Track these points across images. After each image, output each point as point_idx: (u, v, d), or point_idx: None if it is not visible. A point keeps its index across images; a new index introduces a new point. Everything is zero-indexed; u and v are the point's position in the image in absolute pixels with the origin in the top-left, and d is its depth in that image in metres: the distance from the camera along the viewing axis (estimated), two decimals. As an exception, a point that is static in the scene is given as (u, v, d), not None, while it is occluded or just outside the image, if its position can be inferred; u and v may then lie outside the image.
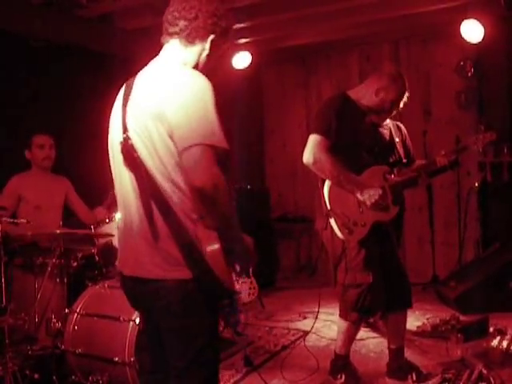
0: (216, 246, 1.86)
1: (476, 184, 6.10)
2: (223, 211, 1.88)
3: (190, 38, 2.10)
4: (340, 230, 3.31)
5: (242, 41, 6.28)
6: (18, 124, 4.63)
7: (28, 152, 4.21)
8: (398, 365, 3.57)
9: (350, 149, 3.37)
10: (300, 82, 7.48)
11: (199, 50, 2.13)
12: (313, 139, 3.33)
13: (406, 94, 3.51)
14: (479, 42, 5.47)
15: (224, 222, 1.90)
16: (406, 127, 4.79)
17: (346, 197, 3.33)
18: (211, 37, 2.11)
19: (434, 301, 5.46)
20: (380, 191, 3.29)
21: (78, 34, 5.19)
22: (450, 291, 5.23)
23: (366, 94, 3.49)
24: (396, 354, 3.59)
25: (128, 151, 1.97)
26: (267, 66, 7.58)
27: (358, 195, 3.30)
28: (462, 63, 6.06)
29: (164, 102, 1.91)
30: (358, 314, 3.39)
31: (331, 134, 3.30)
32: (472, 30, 5.36)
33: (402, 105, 3.53)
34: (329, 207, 3.33)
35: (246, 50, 6.44)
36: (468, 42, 5.53)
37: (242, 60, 6.53)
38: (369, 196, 3.27)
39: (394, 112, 3.55)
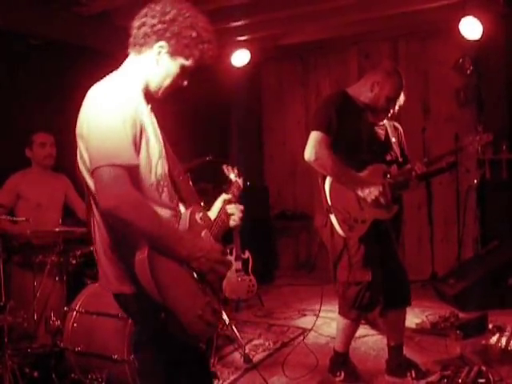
0: (141, 256, 1.80)
1: (475, 181, 6.11)
2: (140, 228, 1.80)
3: (137, 47, 2.01)
4: (340, 226, 3.32)
5: (241, 38, 6.28)
6: (17, 122, 4.62)
7: (28, 150, 4.22)
8: (397, 362, 3.57)
9: (350, 146, 3.38)
10: (299, 80, 7.48)
11: (148, 61, 2.01)
12: (314, 136, 3.33)
13: (402, 94, 3.49)
14: (478, 40, 5.45)
15: (147, 236, 1.81)
16: (404, 124, 4.79)
17: (346, 193, 3.34)
18: (159, 43, 1.97)
19: (433, 298, 5.46)
20: (380, 188, 3.30)
21: (77, 31, 5.18)
22: (449, 288, 5.24)
23: (362, 91, 3.48)
24: (395, 351, 3.60)
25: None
26: (266, 64, 7.57)
27: (359, 192, 3.31)
28: (460, 60, 6.05)
29: (81, 121, 1.90)
30: (358, 311, 3.40)
31: (332, 131, 3.31)
32: (471, 28, 5.35)
33: (398, 105, 3.51)
34: (329, 203, 3.33)
35: (244, 47, 6.44)
36: (467, 40, 5.51)
37: (240, 58, 6.52)
38: (369, 192, 3.28)
39: (391, 111, 3.53)
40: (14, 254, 3.77)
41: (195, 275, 1.93)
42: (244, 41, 6.34)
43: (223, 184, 2.43)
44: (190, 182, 4.08)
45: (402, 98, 3.52)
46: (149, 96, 2.07)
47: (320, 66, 7.29)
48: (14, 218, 3.54)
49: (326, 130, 3.31)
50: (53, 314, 3.47)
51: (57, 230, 3.54)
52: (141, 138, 1.91)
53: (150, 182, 1.94)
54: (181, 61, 1.99)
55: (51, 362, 3.31)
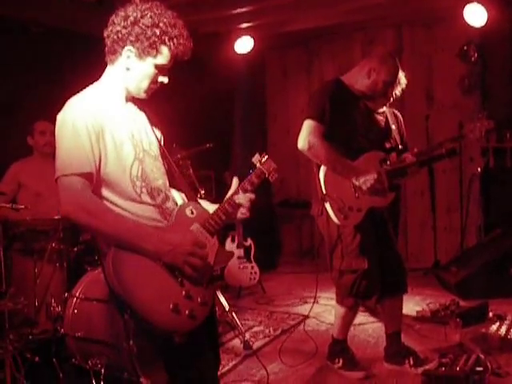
0: (107, 262, 1.89)
1: (478, 169, 6.08)
2: (97, 230, 1.92)
3: (109, 55, 2.06)
4: (335, 215, 3.32)
5: (244, 25, 6.26)
6: (19, 110, 4.63)
7: (30, 138, 4.26)
8: (395, 350, 3.59)
9: (344, 134, 3.37)
10: (303, 67, 7.45)
11: (121, 68, 2.05)
12: (307, 125, 3.33)
13: (404, 78, 3.47)
14: (483, 26, 5.41)
15: (106, 236, 1.92)
16: (408, 112, 4.78)
17: (341, 182, 3.33)
18: (125, 48, 2.00)
19: (435, 286, 5.47)
20: (375, 176, 3.27)
21: (78, 18, 5.16)
22: (451, 276, 5.24)
23: (358, 78, 3.47)
24: (393, 338, 3.62)
25: None
26: (270, 51, 7.54)
27: (354, 180, 3.30)
28: (465, 47, 6.00)
29: None
30: (354, 299, 3.42)
31: (325, 120, 3.30)
32: (475, 14, 5.31)
33: (399, 90, 3.49)
34: (324, 192, 3.32)
35: (248, 34, 6.41)
36: (472, 27, 5.48)
37: (244, 45, 6.51)
38: (364, 181, 3.27)
39: (391, 96, 3.51)
40: (15, 241, 3.80)
41: (168, 269, 1.94)
42: (248, 28, 6.31)
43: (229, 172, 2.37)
44: (191, 170, 4.11)
45: (403, 82, 3.51)
46: (131, 99, 2.15)
47: (324, 53, 7.25)
48: (14, 206, 3.56)
49: (319, 118, 3.31)
50: (53, 300, 3.48)
51: (56, 217, 3.55)
52: (105, 144, 1.97)
53: (125, 183, 2.01)
54: (150, 60, 2.02)
55: (52, 348, 3.32)
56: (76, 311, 3.39)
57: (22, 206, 3.50)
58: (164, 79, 2.10)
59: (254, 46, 6.52)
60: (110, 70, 2.10)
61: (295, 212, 7.35)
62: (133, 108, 2.17)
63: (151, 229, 1.98)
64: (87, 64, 5.08)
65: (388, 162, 3.43)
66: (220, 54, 6.41)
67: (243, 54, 6.61)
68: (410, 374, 3.44)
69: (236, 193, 2.22)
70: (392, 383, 3.39)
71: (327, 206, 3.32)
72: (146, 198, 2.05)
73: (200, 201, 2.31)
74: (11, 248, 3.79)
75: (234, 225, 5.58)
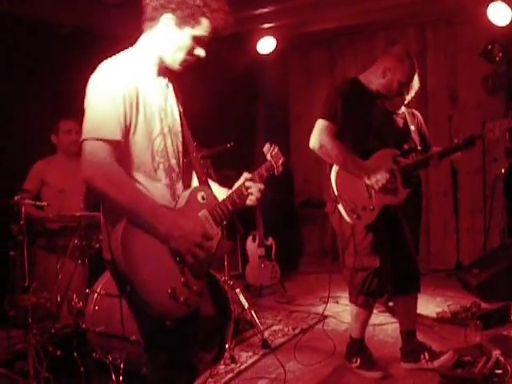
0: (116, 230, 1.87)
1: (503, 170, 5.99)
2: (114, 200, 1.86)
3: (148, 22, 2.04)
4: (348, 215, 3.32)
5: (267, 26, 6.28)
6: (42, 109, 4.71)
7: (54, 136, 4.31)
8: (410, 348, 3.59)
9: (357, 133, 3.37)
10: (325, 67, 7.43)
11: (158, 36, 2.03)
12: (319, 124, 3.35)
13: (417, 80, 3.45)
14: (507, 25, 5.35)
15: (121, 209, 1.88)
16: (431, 112, 4.75)
17: (353, 181, 3.33)
18: (164, 15, 1.99)
19: (457, 288, 5.41)
20: (387, 175, 3.26)
21: (102, 20, 5.23)
22: (473, 278, 5.18)
23: (374, 78, 3.45)
24: (407, 337, 3.61)
25: None
26: (292, 51, 7.55)
27: (366, 179, 3.29)
28: (489, 47, 5.91)
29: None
30: (365, 297, 3.42)
31: (337, 119, 3.30)
32: (499, 13, 5.25)
33: (413, 91, 3.47)
34: (336, 193, 3.33)
35: (270, 35, 6.44)
36: (495, 25, 5.41)
37: (266, 45, 6.54)
38: (376, 180, 3.25)
39: (406, 96, 3.49)
40: (38, 237, 3.89)
41: (173, 254, 1.95)
42: (270, 28, 6.33)
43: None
44: (211, 169, 4.13)
45: (416, 84, 3.49)
46: (165, 70, 2.11)
47: (347, 53, 7.23)
48: (37, 203, 3.63)
49: (331, 118, 3.31)
50: (75, 295, 3.55)
51: (78, 214, 3.62)
52: (137, 112, 1.96)
53: (146, 156, 2.00)
54: (189, 31, 2.01)
55: (73, 342, 3.39)
56: (97, 307, 3.47)
57: (45, 204, 3.57)
58: (201, 52, 2.08)
59: (277, 46, 6.54)
60: (145, 37, 2.08)
61: (317, 212, 7.32)
62: (163, 80, 2.14)
63: (166, 210, 1.97)
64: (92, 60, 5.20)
65: (400, 159, 3.42)
66: (243, 54, 6.44)
67: (266, 55, 6.64)
68: (428, 375, 3.42)
69: (245, 184, 2.24)
70: (409, 383, 3.38)
71: (339, 206, 3.33)
72: (161, 174, 2.05)
73: (211, 183, 2.31)
74: (35, 244, 3.88)
75: (256, 224, 5.61)
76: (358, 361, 3.56)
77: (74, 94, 4.77)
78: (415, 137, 3.60)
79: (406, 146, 3.53)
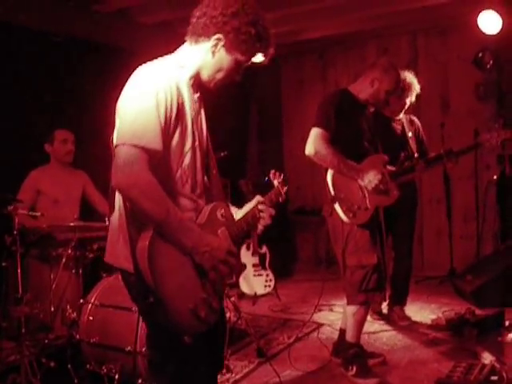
0: (143, 241, 1.82)
1: (495, 177, 6.05)
2: (146, 211, 1.81)
3: (195, 36, 2.02)
4: (345, 214, 3.46)
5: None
6: (36, 118, 4.71)
7: (48, 146, 4.28)
8: (343, 347, 3.69)
9: (350, 140, 3.54)
10: (318, 76, 7.48)
11: (203, 51, 2.02)
12: (314, 132, 3.51)
13: (415, 84, 3.56)
14: (498, 33, 5.39)
15: (151, 220, 1.83)
16: (423, 119, 4.79)
17: (348, 183, 3.50)
18: (216, 35, 1.97)
19: (451, 294, 5.42)
20: (379, 176, 3.44)
21: (96, 29, 5.26)
22: (467, 285, 5.19)
23: (362, 88, 3.65)
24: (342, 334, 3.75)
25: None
26: (285, 60, 7.57)
27: (359, 181, 3.47)
28: (480, 55, 5.96)
29: (121, 97, 1.94)
30: (365, 294, 3.50)
31: (331, 127, 3.47)
32: (490, 21, 5.29)
33: (413, 97, 3.56)
34: (332, 193, 3.48)
35: (263, 43, 6.43)
36: (486, 34, 5.46)
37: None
38: (369, 181, 3.44)
39: (405, 103, 3.59)
40: (32, 247, 3.87)
41: (197, 270, 1.93)
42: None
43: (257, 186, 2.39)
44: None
45: (417, 89, 3.62)
46: (198, 85, 2.10)
47: (339, 62, 7.28)
48: (31, 213, 3.61)
49: (324, 126, 3.48)
50: (69, 306, 3.54)
51: (72, 224, 3.61)
52: (176, 125, 1.93)
53: (175, 169, 1.97)
54: (236, 56, 2.00)
55: (67, 353, 3.37)
56: (91, 317, 3.45)
57: (39, 214, 3.56)
58: (237, 77, 2.09)
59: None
60: (188, 49, 2.06)
61: (311, 219, 7.34)
62: (196, 94, 2.11)
63: (194, 225, 1.95)
64: (106, 73, 5.23)
65: (389, 167, 3.60)
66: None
67: (259, 63, 6.63)
68: (424, 383, 3.42)
69: (257, 206, 2.24)
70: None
71: (336, 206, 3.47)
72: (187, 189, 2.02)
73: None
74: (28, 254, 3.85)
75: (249, 232, 5.60)
76: (354, 369, 3.56)
77: (68, 104, 4.87)
78: (412, 143, 3.73)
79: (402, 153, 3.63)
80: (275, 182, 2.44)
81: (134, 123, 1.83)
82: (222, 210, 2.13)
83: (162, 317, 1.86)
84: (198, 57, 2.03)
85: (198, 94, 2.11)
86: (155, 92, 1.86)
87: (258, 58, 2.07)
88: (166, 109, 1.87)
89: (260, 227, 2.26)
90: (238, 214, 2.26)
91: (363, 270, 3.47)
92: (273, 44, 2.06)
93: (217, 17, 1.96)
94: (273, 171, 2.50)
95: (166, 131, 1.89)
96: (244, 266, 2.32)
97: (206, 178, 2.18)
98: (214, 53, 2.00)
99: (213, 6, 1.97)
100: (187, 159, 2.01)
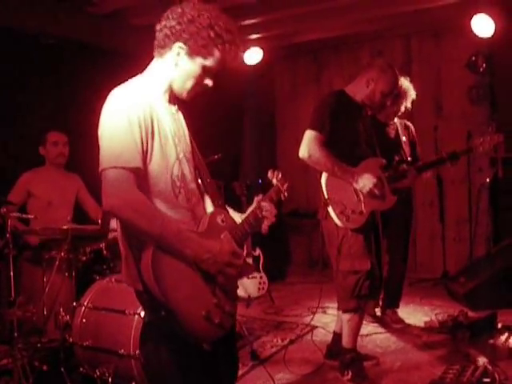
0: (145, 259, 1.84)
1: (487, 180, 6.07)
2: (140, 229, 1.83)
3: (159, 49, 2.03)
4: (338, 218, 3.41)
5: (254, 36, 6.30)
6: (30, 121, 4.70)
7: (42, 148, 4.29)
8: (338, 349, 3.67)
9: (345, 142, 3.49)
10: (312, 78, 7.48)
11: (168, 63, 2.02)
12: (308, 135, 3.47)
13: (410, 89, 3.51)
14: (491, 37, 5.42)
15: (149, 237, 1.84)
16: (417, 122, 4.78)
17: (343, 186, 3.45)
18: (177, 44, 1.98)
19: (444, 297, 5.45)
20: (374, 180, 3.38)
21: (89, 31, 5.25)
22: (460, 287, 5.21)
23: (358, 89, 3.58)
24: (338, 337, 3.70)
25: None
26: (279, 62, 7.58)
27: (354, 184, 3.40)
28: (473, 58, 5.99)
29: (99, 124, 1.95)
30: (357, 301, 3.46)
31: (325, 130, 3.42)
32: (483, 25, 5.32)
33: (409, 102, 3.53)
34: (326, 196, 3.44)
35: (257, 45, 6.45)
36: (480, 37, 5.48)
37: (253, 56, 6.54)
38: (363, 185, 3.38)
39: (401, 107, 3.55)
40: (25, 250, 3.85)
41: (204, 276, 1.93)
42: (256, 39, 6.35)
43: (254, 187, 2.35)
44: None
45: (412, 94, 3.57)
46: (175, 96, 2.10)
47: (333, 64, 7.29)
48: (24, 216, 3.60)
49: (319, 128, 3.44)
50: (62, 309, 3.52)
51: (65, 227, 3.59)
52: (153, 139, 1.93)
53: (165, 182, 1.96)
54: (200, 61, 1.99)
55: (60, 356, 3.36)
56: (84, 320, 3.44)
57: (32, 216, 3.54)
58: (209, 82, 2.07)
59: (263, 57, 6.56)
60: (156, 64, 2.07)
61: (304, 222, 7.35)
62: (173, 106, 2.12)
63: (192, 234, 1.95)
64: (98, 75, 5.21)
65: (386, 171, 3.54)
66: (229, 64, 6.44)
67: (252, 65, 6.65)
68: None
69: (259, 207, 2.23)
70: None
71: (330, 209, 3.43)
72: (182, 199, 2.02)
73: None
74: (21, 257, 3.84)
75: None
76: (350, 374, 3.54)
77: (63, 106, 4.85)
78: (406, 148, 3.68)
79: (396, 157, 3.59)
80: (274, 181, 2.42)
81: (110, 146, 1.85)
82: (222, 216, 2.13)
83: (177, 328, 1.87)
84: (166, 70, 2.04)
85: (175, 107, 2.12)
86: (126, 112, 1.87)
87: (227, 60, 2.03)
88: (140, 127, 1.88)
89: (265, 227, 2.25)
90: (240, 217, 2.25)
91: (356, 276, 3.42)
92: (239, 45, 2.04)
93: (175, 26, 1.97)
94: (271, 170, 2.47)
95: (145, 148, 1.90)
96: (253, 268, 2.30)
97: (200, 185, 2.18)
98: (177, 62, 2.01)
99: (171, 18, 1.99)
100: (175, 171, 2.01)
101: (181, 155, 2.05)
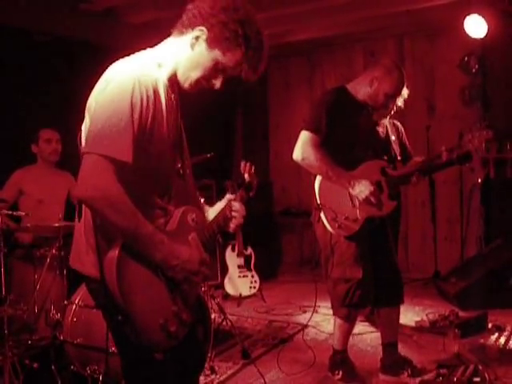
0: (111, 254, 1.73)
1: (479, 180, 6.09)
2: (113, 223, 1.71)
3: (181, 27, 1.88)
4: (329, 224, 3.30)
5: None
6: (24, 118, 4.67)
7: (34, 146, 4.27)
8: (391, 360, 3.57)
9: (343, 144, 3.33)
10: (304, 77, 7.49)
11: (183, 45, 1.87)
12: (303, 136, 3.31)
13: (405, 90, 3.43)
14: (483, 38, 5.44)
15: (120, 232, 1.73)
16: (409, 122, 4.77)
17: (338, 191, 3.31)
18: (200, 27, 1.83)
19: (435, 296, 5.47)
20: (371, 188, 3.23)
21: (82, 28, 5.23)
22: (451, 287, 5.24)
23: (361, 87, 3.41)
24: (389, 349, 3.59)
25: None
26: (272, 61, 7.56)
27: (350, 190, 3.27)
28: (466, 59, 6.03)
29: (93, 95, 1.82)
30: (347, 309, 3.38)
31: (321, 131, 3.27)
32: (476, 26, 5.33)
33: (400, 102, 3.46)
34: (318, 201, 3.30)
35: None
36: (472, 38, 5.50)
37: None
38: (360, 191, 3.23)
39: (391, 108, 3.48)
40: (16, 247, 3.84)
41: (167, 283, 1.85)
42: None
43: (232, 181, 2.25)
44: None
45: (405, 94, 3.46)
46: (175, 85, 1.95)
47: (326, 64, 7.29)
48: (15, 213, 3.58)
49: (314, 129, 3.28)
50: (53, 307, 3.51)
51: (56, 224, 3.58)
52: (152, 130, 1.80)
53: (145, 174, 1.84)
54: (217, 54, 1.85)
55: (51, 354, 3.34)
56: (75, 318, 3.42)
57: (23, 214, 3.52)
58: (216, 83, 1.91)
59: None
60: (169, 42, 1.94)
61: (296, 221, 7.36)
62: (172, 93, 1.95)
63: (165, 238, 1.81)
64: (91, 73, 5.16)
65: (389, 170, 3.41)
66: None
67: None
68: (408, 384, 3.45)
69: (229, 206, 2.15)
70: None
71: (322, 215, 3.31)
72: (158, 193, 1.91)
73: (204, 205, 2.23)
74: (12, 254, 3.82)
75: (235, 234, 5.60)
76: (341, 373, 3.53)
77: (56, 103, 4.82)
78: (396, 147, 3.59)
79: (386, 157, 3.51)
80: (246, 176, 2.31)
81: (104, 130, 1.69)
82: (194, 215, 2.01)
83: (132, 334, 1.77)
84: (177, 51, 1.89)
85: (174, 95, 1.96)
86: (130, 95, 1.71)
87: (244, 68, 1.87)
88: (141, 114, 1.74)
89: (232, 226, 2.16)
90: (210, 212, 2.18)
91: (347, 284, 3.31)
92: (264, 58, 1.89)
93: (205, 8, 1.83)
94: (243, 162, 2.35)
95: (140, 138, 1.75)
96: (208, 275, 2.15)
97: (179, 179, 2.04)
98: (193, 45, 1.85)
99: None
100: (161, 162, 1.89)
101: (166, 147, 1.91)
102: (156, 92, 1.82)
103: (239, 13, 1.82)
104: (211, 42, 1.84)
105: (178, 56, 1.90)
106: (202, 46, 1.85)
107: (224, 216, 2.15)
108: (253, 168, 2.34)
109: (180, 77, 1.92)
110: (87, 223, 1.84)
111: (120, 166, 1.70)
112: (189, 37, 1.86)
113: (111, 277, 1.71)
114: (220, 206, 2.19)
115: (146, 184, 1.86)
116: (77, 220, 1.93)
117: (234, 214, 2.15)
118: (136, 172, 1.78)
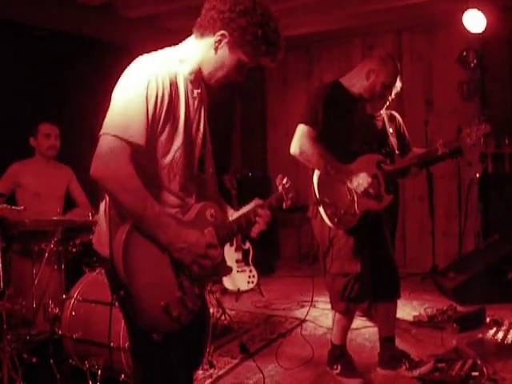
0: (120, 234, 1.80)
1: (477, 175, 6.09)
2: (122, 204, 1.80)
3: (201, 29, 1.96)
4: (329, 219, 3.28)
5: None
6: (22, 112, 4.66)
7: (33, 139, 4.24)
8: (389, 354, 3.57)
9: (340, 138, 3.32)
10: (302, 72, 7.48)
11: (206, 46, 1.96)
12: (300, 130, 3.29)
13: (399, 81, 3.43)
14: (482, 33, 5.44)
15: (128, 213, 1.81)
16: (407, 117, 4.76)
17: (336, 185, 3.30)
18: (221, 32, 1.91)
19: (433, 291, 5.48)
20: (369, 179, 3.23)
21: (80, 22, 5.21)
22: (449, 281, 5.25)
23: (357, 81, 3.41)
24: (387, 343, 3.60)
25: None
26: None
27: (348, 183, 3.26)
28: (464, 53, 6.03)
29: (116, 85, 1.90)
30: (346, 303, 3.38)
31: (318, 124, 3.26)
32: (474, 20, 5.34)
33: (394, 92, 3.45)
34: (317, 196, 3.29)
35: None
36: (471, 33, 5.50)
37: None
38: (358, 184, 3.22)
39: (387, 99, 3.47)
40: (14, 242, 3.82)
41: (174, 267, 1.88)
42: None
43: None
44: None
45: (398, 85, 3.46)
46: (200, 81, 2.05)
47: (324, 58, 7.29)
48: (13, 207, 3.57)
49: (311, 123, 3.27)
50: (51, 301, 3.51)
51: (54, 218, 3.57)
52: (166, 119, 1.89)
53: (163, 164, 1.92)
54: (239, 56, 1.95)
55: (49, 349, 3.34)
56: (74, 313, 3.42)
57: (22, 207, 3.51)
58: (239, 78, 2.03)
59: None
60: (192, 42, 2.02)
61: (294, 216, 7.32)
62: (197, 90, 2.05)
63: (172, 221, 1.88)
64: (90, 67, 5.19)
65: (383, 165, 3.40)
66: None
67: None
68: (406, 379, 3.44)
69: (254, 210, 2.16)
70: (388, 388, 3.40)
71: (320, 209, 3.29)
72: (175, 185, 1.97)
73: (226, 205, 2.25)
74: (10, 249, 3.80)
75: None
76: (339, 367, 3.53)
77: (54, 97, 4.82)
78: (393, 140, 3.57)
79: (383, 150, 3.51)
80: (280, 188, 2.33)
81: (121, 114, 1.81)
82: (212, 210, 2.07)
83: (130, 311, 1.85)
84: (201, 51, 1.98)
85: (198, 90, 2.05)
86: (147, 83, 1.82)
87: (265, 61, 1.99)
88: (156, 102, 1.84)
89: (254, 231, 2.17)
90: (233, 215, 2.20)
91: (345, 278, 3.32)
92: (282, 49, 1.98)
93: (225, 12, 1.90)
94: (280, 175, 2.38)
95: (154, 125, 1.85)
96: (230, 269, 2.20)
97: (200, 175, 2.11)
98: (216, 49, 1.95)
99: (223, 1, 1.92)
100: (177, 156, 1.95)
101: (188, 140, 2.00)
102: (173, 85, 1.91)
103: (258, 16, 1.89)
104: (233, 46, 1.94)
105: (201, 56, 1.99)
106: (224, 49, 1.95)
107: (247, 219, 2.15)
108: (289, 182, 2.35)
109: (206, 76, 2.02)
110: (106, 203, 1.93)
111: (134, 148, 1.80)
112: (211, 40, 1.95)
113: (118, 252, 1.78)
114: (246, 208, 2.20)
115: (161, 172, 1.94)
116: (100, 201, 2.00)
117: (257, 219, 2.15)
118: (151, 159, 1.90)
